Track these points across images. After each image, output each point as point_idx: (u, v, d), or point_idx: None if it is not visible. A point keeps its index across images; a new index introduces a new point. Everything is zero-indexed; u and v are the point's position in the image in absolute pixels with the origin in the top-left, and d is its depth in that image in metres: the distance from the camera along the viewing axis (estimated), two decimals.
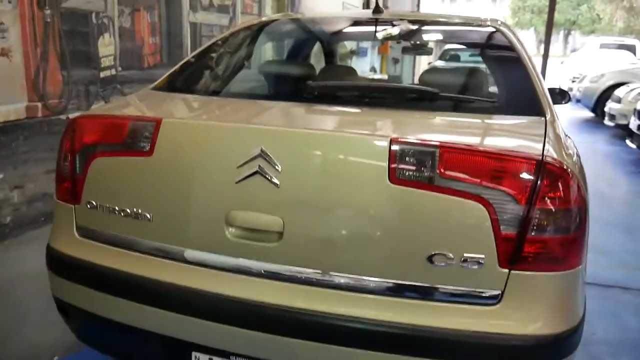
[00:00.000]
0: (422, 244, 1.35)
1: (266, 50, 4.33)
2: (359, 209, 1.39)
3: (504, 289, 1.35)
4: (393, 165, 1.36)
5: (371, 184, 1.38)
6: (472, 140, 1.44)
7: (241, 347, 1.48)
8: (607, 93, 9.56)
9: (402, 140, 1.38)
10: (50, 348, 2.36)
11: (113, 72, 4.38)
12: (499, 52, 2.17)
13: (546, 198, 1.34)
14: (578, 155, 1.66)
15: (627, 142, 7.25)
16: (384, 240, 1.38)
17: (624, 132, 7.66)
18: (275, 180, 1.41)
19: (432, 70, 2.47)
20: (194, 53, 2.33)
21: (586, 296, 2.97)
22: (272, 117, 1.71)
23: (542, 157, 1.35)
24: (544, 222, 1.34)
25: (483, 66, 2.40)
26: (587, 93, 10.54)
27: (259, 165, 1.42)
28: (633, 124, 7.10)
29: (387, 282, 1.38)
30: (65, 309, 1.76)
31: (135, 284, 1.56)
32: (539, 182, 1.33)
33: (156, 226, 1.55)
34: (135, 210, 1.57)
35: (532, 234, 1.33)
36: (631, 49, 15.78)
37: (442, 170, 1.35)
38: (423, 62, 15.92)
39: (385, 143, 1.38)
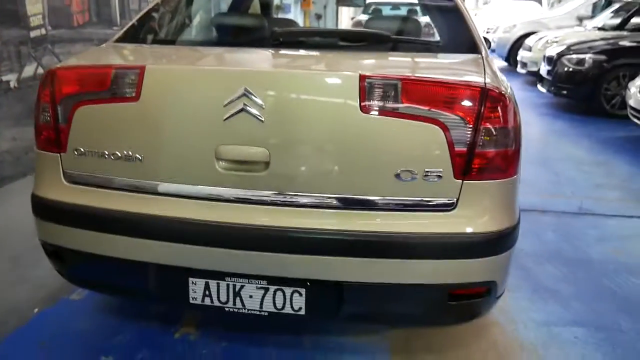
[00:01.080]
0: (390, 163, 1.59)
1: (212, 4, 4.34)
2: (336, 137, 1.60)
3: (458, 196, 1.62)
4: (363, 97, 1.57)
5: (345, 114, 1.59)
6: (427, 73, 1.67)
7: (237, 266, 1.67)
8: (519, 42, 10.22)
9: (370, 75, 1.59)
10: (27, 302, 2.43)
11: (43, 31, 4.25)
12: (437, 1, 2.41)
13: (489, 118, 1.60)
14: (510, 86, 1.94)
15: (539, 87, 7.89)
16: (358, 162, 1.60)
17: (535, 78, 8.30)
18: (260, 116, 1.59)
19: (375, 18, 2.68)
20: (146, 9, 2.39)
21: None
22: (248, 61, 1.87)
23: (485, 84, 1.61)
24: (488, 139, 1.61)
25: (419, 15, 2.62)
26: (500, 43, 11.20)
27: (244, 104, 1.59)
28: (543, 70, 7.72)
29: (362, 198, 1.61)
30: (57, 253, 1.86)
31: (132, 221, 1.69)
32: (483, 105, 1.59)
33: (148, 166, 1.68)
34: (126, 152, 1.69)
35: (480, 149, 1.60)
36: (538, 0, 16.74)
37: (405, 100, 1.58)
38: (344, 19, 16.06)
39: (355, 79, 1.59)
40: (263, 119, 1.59)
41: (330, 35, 2.13)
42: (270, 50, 1.98)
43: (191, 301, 1.74)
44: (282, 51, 1.99)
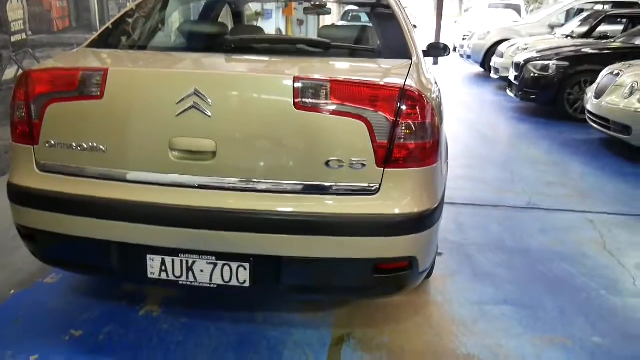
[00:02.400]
0: (321, 153, 1.84)
1: (181, 12, 4.58)
2: (274, 130, 1.84)
3: (381, 182, 1.87)
4: (297, 96, 1.82)
5: (281, 110, 1.84)
6: (354, 76, 1.93)
7: (189, 244, 1.90)
8: (493, 49, 10.58)
9: (303, 77, 1.84)
10: (4, 285, 2.64)
11: (23, 36, 4.46)
12: (379, 10, 2.68)
13: (408, 115, 1.86)
14: (438, 89, 2.20)
15: (508, 91, 8.21)
16: (293, 152, 1.85)
17: (506, 83, 8.63)
18: (208, 112, 1.83)
19: (327, 27, 2.95)
20: (120, 15, 2.63)
21: (464, 213, 3.66)
22: (201, 64, 2.11)
23: (404, 85, 1.87)
24: (406, 133, 1.86)
25: (371, 24, 2.90)
26: (475, 49, 11.55)
27: (194, 101, 1.83)
28: (511, 75, 8.05)
29: (297, 183, 1.86)
30: (31, 235, 2.08)
31: (95, 204, 1.92)
32: (401, 103, 1.85)
33: (111, 156, 1.92)
34: (91, 144, 1.92)
35: (399, 141, 1.85)
36: (516, 8, 17.13)
37: (333, 98, 1.83)
38: (327, 24, 16.28)
39: (290, 80, 1.84)
40: (210, 115, 1.83)
41: (277, 42, 2.39)
42: (222, 56, 2.23)
43: (149, 276, 1.97)
44: (233, 56, 2.24)
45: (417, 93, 1.88)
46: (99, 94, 1.90)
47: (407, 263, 1.96)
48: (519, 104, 8.20)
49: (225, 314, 2.43)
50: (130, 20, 2.65)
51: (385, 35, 2.46)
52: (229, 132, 1.85)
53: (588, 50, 7.46)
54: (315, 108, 1.83)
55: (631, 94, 5.16)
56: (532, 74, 7.36)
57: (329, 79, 1.85)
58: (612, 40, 8.08)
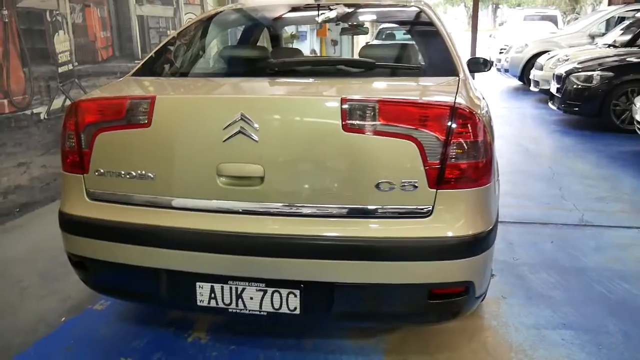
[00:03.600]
0: (371, 175, 1.79)
1: (220, 38, 4.65)
2: (322, 153, 1.81)
3: (433, 204, 1.81)
4: (345, 118, 1.79)
5: (329, 133, 1.81)
6: (402, 95, 1.88)
7: (238, 271, 1.88)
8: (531, 61, 10.37)
9: (350, 98, 1.81)
10: (55, 312, 2.67)
11: (70, 67, 4.60)
12: (421, 27, 2.64)
13: (458, 134, 1.79)
14: (487, 105, 2.13)
15: (550, 104, 8.00)
16: (342, 175, 1.81)
17: (547, 96, 8.42)
18: (255, 137, 1.81)
19: (368, 47, 2.93)
20: (162, 43, 2.67)
21: (512, 231, 3.53)
22: (246, 89, 2.11)
23: (454, 103, 1.81)
24: (458, 153, 1.80)
25: (412, 42, 2.86)
26: (513, 62, 11.34)
27: (241, 127, 1.82)
28: (553, 87, 7.85)
29: (347, 207, 1.81)
30: (81, 263, 2.10)
31: (145, 232, 1.92)
32: (452, 122, 1.79)
33: (159, 183, 1.92)
34: (140, 172, 1.93)
35: (451, 161, 1.79)
36: (553, 19, 16.85)
37: (382, 119, 1.79)
38: (361, 43, 16.40)
39: (337, 102, 1.80)
40: (257, 139, 1.81)
41: (320, 64, 2.37)
42: (267, 79, 2.22)
43: (199, 303, 1.95)
44: (277, 79, 2.23)
45: (468, 111, 1.82)
46: (146, 121, 1.91)
47: (463, 288, 1.88)
48: (561, 117, 7.98)
49: (273, 341, 2.38)
50: (172, 48, 2.68)
51: (430, 53, 2.41)
52: (277, 157, 1.83)
53: (633, 59, 7.22)
54: (364, 129, 1.79)
55: None
56: (575, 86, 7.16)
57: (377, 99, 1.81)
58: None
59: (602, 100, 6.91)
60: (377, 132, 1.79)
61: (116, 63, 5.35)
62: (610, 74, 6.93)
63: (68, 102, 4.50)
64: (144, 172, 1.92)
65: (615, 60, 7.23)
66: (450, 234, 1.81)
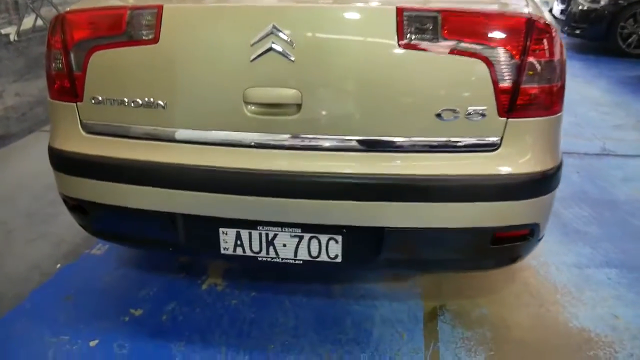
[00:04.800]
0: (431, 101, 1.50)
1: None
2: (372, 74, 1.50)
3: (502, 135, 1.53)
4: (401, 32, 1.46)
5: (382, 50, 1.48)
6: (470, 5, 1.55)
7: (269, 215, 1.60)
8: None
9: (408, 8, 1.47)
10: (48, 258, 2.40)
11: None
12: None
13: (535, 51, 1.49)
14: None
15: None
16: (397, 102, 1.51)
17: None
18: (290, 55, 1.48)
19: None
20: None
21: None
22: None
23: (530, 15, 1.49)
24: (534, 74, 1.50)
25: None
26: None
27: (272, 42, 1.48)
28: (556, 9, 7.46)
29: (401, 140, 1.52)
30: (79, 207, 1.80)
31: (157, 170, 1.62)
32: (528, 37, 1.48)
33: (172, 112, 1.59)
34: (147, 99, 1.59)
35: (525, 84, 1.50)
36: None
37: (445, 33, 1.47)
38: None
39: (392, 12, 1.47)
40: (293, 58, 1.48)
41: None
42: None
43: (222, 252, 1.69)
44: None
45: (544, 24, 1.51)
46: (152, 37, 1.56)
47: (528, 231, 1.65)
48: (565, 40, 7.62)
49: (298, 286, 2.16)
50: None
51: None
52: (317, 79, 1.51)
53: None
54: (424, 46, 1.47)
55: None
56: (580, 7, 6.78)
57: (440, 9, 1.48)
58: None
59: (609, 22, 6.57)
60: (440, 50, 1.47)
61: None
62: None
63: (40, 22, 4.00)
64: (151, 99, 1.59)
65: None
66: (519, 170, 1.55)
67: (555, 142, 1.64)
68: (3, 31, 3.69)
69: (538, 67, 1.51)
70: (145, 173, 1.63)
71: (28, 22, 3.93)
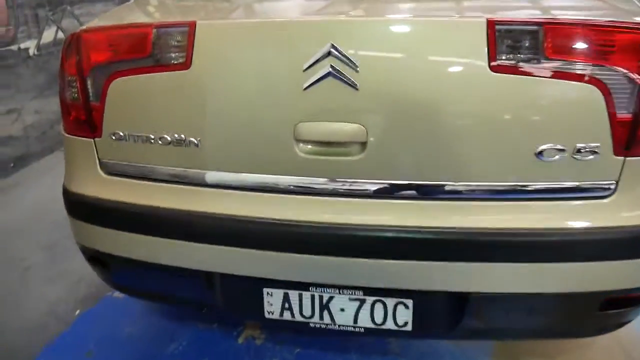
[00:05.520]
0: (531, 138, 1.19)
1: None
2: (457, 105, 1.20)
3: (619, 178, 1.22)
4: (493, 51, 1.16)
5: (469, 74, 1.19)
6: (573, 13, 1.24)
7: (324, 276, 1.32)
8: None
9: (500, 20, 1.17)
10: (66, 301, 2.15)
11: None
12: None
13: None
14: None
15: None
16: (488, 138, 1.20)
17: None
18: (354, 82, 1.19)
19: None
20: None
21: None
22: (331, 5, 1.45)
23: None
24: None
25: None
26: None
27: (331, 66, 1.19)
28: None
29: (490, 186, 1.23)
30: (99, 259, 1.54)
31: (189, 221, 1.34)
32: None
33: (207, 152, 1.31)
34: (177, 136, 1.32)
35: None
36: None
37: (549, 51, 1.16)
38: None
39: (481, 25, 1.17)
40: (357, 86, 1.19)
41: None
42: None
43: (267, 315, 1.41)
44: None
45: None
46: (183, 61, 1.28)
47: None
48: None
49: (348, 342, 1.87)
50: None
51: None
52: (387, 112, 1.22)
53: None
54: (522, 69, 1.16)
55: None
56: None
57: (543, 20, 1.17)
58: None
59: None
60: (542, 73, 1.16)
61: None
62: None
63: (61, 35, 3.80)
64: (182, 135, 1.32)
65: None
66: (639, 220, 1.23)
67: None
68: (22, 45, 3.50)
69: None
70: (175, 224, 1.36)
71: (48, 35, 3.74)
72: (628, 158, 1.21)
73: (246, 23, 1.34)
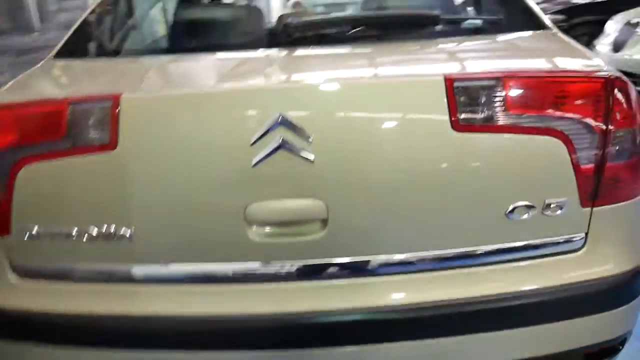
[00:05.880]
0: (499, 198, 1.13)
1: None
2: (420, 169, 1.11)
3: (588, 229, 1.18)
4: (454, 109, 1.09)
5: (430, 137, 1.10)
6: (527, 64, 1.21)
7: None
8: None
9: (459, 76, 1.11)
10: None
11: None
12: None
13: (617, 120, 1.16)
14: None
15: None
16: (455, 203, 1.12)
17: None
18: (308, 154, 1.07)
19: None
20: (92, 7, 1.75)
21: None
22: (271, 71, 1.32)
23: (608, 73, 1.17)
24: (619, 147, 1.17)
25: None
26: None
27: (282, 138, 1.06)
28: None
29: (464, 251, 1.14)
30: None
31: (125, 327, 1.15)
32: (610, 102, 1.15)
33: (141, 244, 1.13)
34: (104, 228, 1.13)
35: (611, 162, 1.16)
36: None
37: (511, 106, 1.11)
38: None
39: (440, 84, 1.09)
40: (312, 158, 1.07)
41: (361, 23, 1.56)
42: (289, 52, 1.42)
43: None
44: (306, 51, 1.43)
45: (624, 82, 1.18)
46: (108, 141, 1.10)
47: (621, 341, 1.29)
48: None
49: None
50: (108, 10, 1.78)
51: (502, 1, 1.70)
52: (347, 183, 1.10)
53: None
54: (485, 125, 1.10)
55: None
56: None
57: (502, 73, 1.12)
58: None
59: None
60: (507, 128, 1.11)
61: (6, 36, 4.18)
62: (561, 16, 6.59)
63: None
64: (112, 227, 1.13)
65: (564, 2, 6.91)
66: (612, 270, 1.20)
67: None
68: None
69: (623, 137, 1.17)
70: (107, 331, 1.16)
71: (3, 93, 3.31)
72: (595, 208, 1.17)
73: (180, 94, 1.18)
